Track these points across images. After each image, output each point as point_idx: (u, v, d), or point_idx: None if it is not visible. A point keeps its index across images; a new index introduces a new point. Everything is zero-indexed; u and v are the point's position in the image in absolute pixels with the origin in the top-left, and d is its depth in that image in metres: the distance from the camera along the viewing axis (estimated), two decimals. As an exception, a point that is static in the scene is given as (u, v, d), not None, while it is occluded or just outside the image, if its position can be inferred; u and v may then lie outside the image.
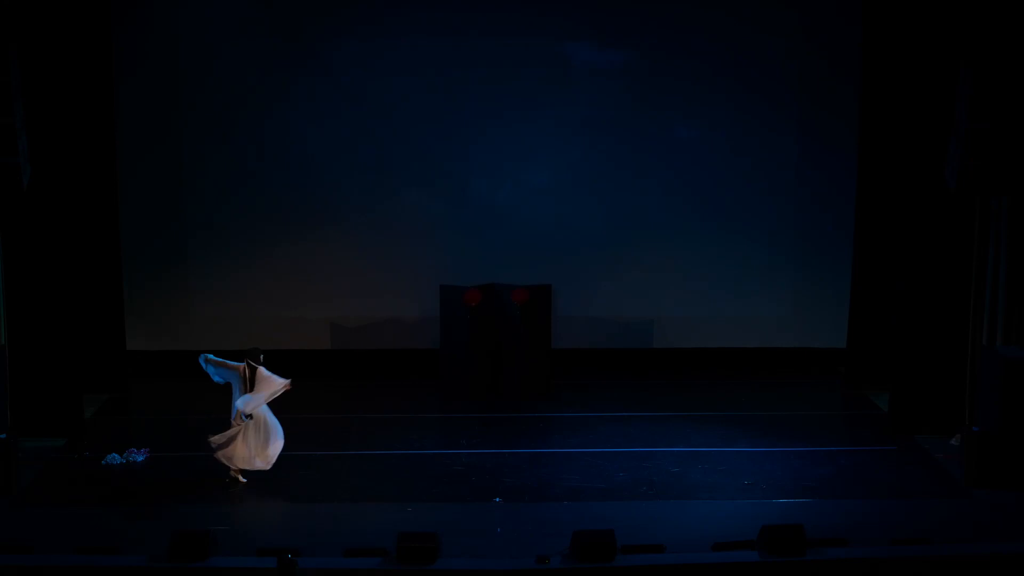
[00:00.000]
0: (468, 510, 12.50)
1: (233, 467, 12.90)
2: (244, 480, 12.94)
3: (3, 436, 12.67)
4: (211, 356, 13.04)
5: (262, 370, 12.88)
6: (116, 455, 13.75)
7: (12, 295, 14.07)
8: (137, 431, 15.12)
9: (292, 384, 12.92)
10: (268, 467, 12.92)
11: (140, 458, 13.75)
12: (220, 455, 12.85)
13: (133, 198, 16.82)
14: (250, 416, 12.76)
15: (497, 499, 12.70)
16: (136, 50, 16.56)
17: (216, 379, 13.08)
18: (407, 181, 17.24)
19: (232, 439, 12.80)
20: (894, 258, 15.46)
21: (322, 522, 11.98)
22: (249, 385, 12.88)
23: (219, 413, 15.38)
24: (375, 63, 16.95)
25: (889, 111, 15.65)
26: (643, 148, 17.31)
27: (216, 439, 12.81)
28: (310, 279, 17.38)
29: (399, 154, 17.18)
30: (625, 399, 16.50)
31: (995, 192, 13.55)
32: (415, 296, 17.38)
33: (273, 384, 12.85)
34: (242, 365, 12.96)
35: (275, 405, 13.18)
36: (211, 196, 17.13)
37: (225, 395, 12.86)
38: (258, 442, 12.86)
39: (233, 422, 12.85)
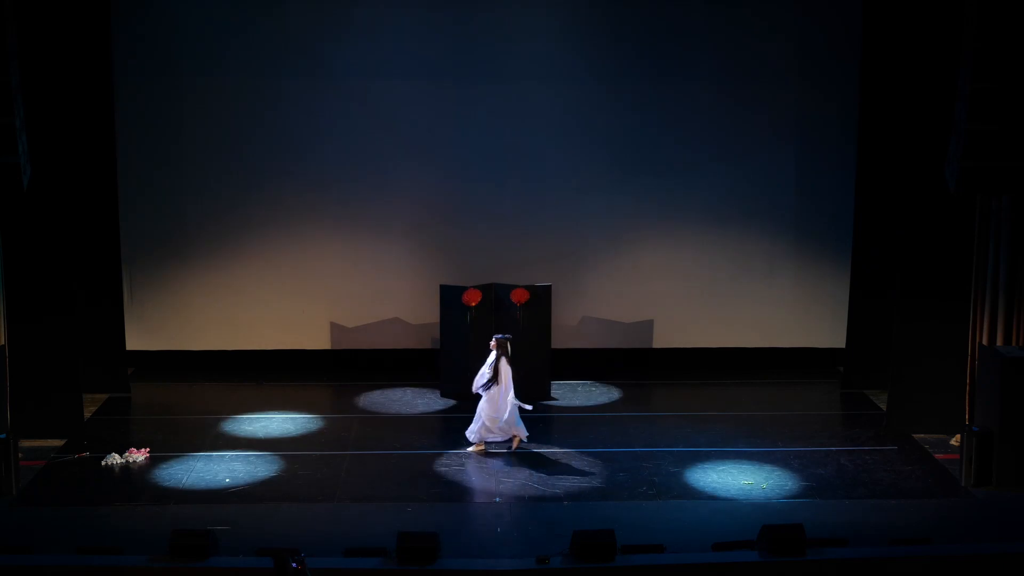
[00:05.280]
0: (468, 510, 12.51)
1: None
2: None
3: (3, 436, 12.68)
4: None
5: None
6: (116, 455, 13.75)
7: (12, 295, 14.07)
8: (137, 431, 15.13)
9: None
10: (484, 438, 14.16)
11: (140, 458, 13.75)
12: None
13: (133, 198, 16.83)
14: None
15: (497, 499, 12.70)
16: (136, 49, 16.56)
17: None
18: (407, 181, 17.21)
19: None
20: (893, 258, 15.45)
21: (322, 522, 11.97)
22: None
23: (219, 413, 15.48)
24: (375, 64, 16.94)
25: (889, 111, 15.65)
26: (643, 148, 17.28)
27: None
28: (310, 279, 17.36)
29: (399, 154, 17.15)
30: (625, 399, 16.52)
31: (995, 192, 13.54)
32: (415, 296, 17.38)
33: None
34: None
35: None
36: (211, 196, 17.11)
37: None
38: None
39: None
